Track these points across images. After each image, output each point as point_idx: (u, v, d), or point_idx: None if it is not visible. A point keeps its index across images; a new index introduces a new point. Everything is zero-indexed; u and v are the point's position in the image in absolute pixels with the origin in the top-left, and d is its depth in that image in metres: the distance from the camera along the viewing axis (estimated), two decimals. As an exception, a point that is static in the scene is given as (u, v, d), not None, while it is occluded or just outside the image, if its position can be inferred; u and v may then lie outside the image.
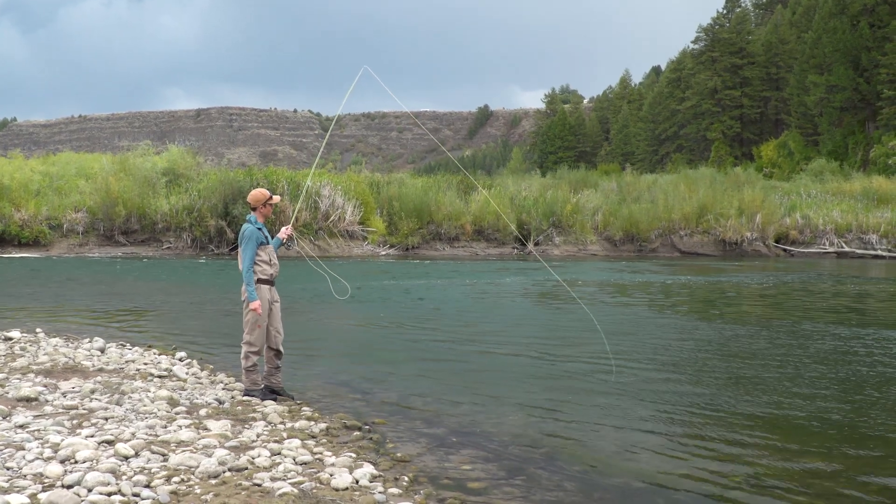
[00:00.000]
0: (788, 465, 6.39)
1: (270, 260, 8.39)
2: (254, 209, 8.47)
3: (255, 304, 8.14)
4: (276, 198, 8.65)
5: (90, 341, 11.54)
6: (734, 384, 9.38)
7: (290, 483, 5.50)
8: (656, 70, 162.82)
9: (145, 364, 10.02)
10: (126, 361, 10.14)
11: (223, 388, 8.86)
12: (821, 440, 7.06)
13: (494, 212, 42.45)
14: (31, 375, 8.90)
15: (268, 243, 8.39)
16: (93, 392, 8.09)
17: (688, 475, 6.14)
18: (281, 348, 8.52)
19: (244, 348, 8.34)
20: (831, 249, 43.07)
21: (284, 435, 6.87)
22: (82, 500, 4.84)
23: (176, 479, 5.45)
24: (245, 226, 8.35)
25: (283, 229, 8.71)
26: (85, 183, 40.35)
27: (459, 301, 19.31)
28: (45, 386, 8.30)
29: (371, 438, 7.04)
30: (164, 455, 5.98)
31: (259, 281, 8.26)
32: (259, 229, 8.33)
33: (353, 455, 6.36)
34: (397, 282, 24.24)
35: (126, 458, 5.83)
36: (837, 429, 7.42)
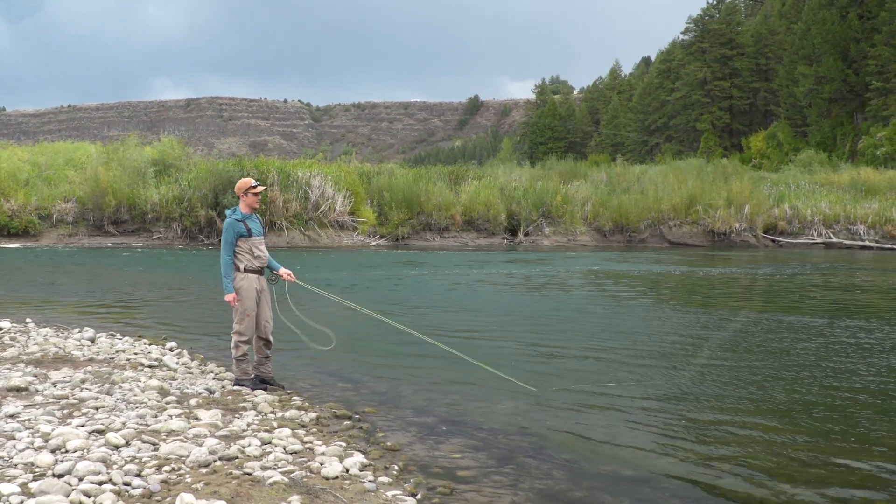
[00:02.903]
0: (776, 452, 6.44)
1: (253, 251, 8.32)
2: (239, 198, 8.46)
3: (229, 297, 8.20)
4: (260, 187, 8.55)
5: (80, 331, 11.53)
6: (722, 373, 9.44)
7: (280, 472, 5.52)
8: (646, 61, 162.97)
9: (136, 354, 10.02)
10: (116, 351, 10.14)
11: (214, 378, 8.88)
12: (809, 428, 7.12)
13: (485, 202, 42.48)
14: (22, 365, 8.89)
15: (251, 235, 8.35)
16: (83, 382, 8.10)
17: (676, 463, 6.19)
18: (271, 338, 8.53)
19: (234, 338, 8.35)
20: (819, 240, 43.22)
21: (275, 424, 6.89)
22: (73, 489, 4.86)
23: (167, 468, 5.47)
24: (225, 221, 8.33)
25: (287, 273, 8.61)
26: (74, 173, 40.22)
27: (449, 291, 19.33)
28: (36, 376, 8.30)
29: (361, 428, 7.07)
30: (154, 444, 6.00)
31: (247, 270, 8.26)
32: (240, 220, 8.27)
33: (343, 444, 6.40)
34: (387, 272, 24.26)
35: (117, 447, 5.85)
36: (825, 417, 7.48)
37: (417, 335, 8.92)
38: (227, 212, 8.36)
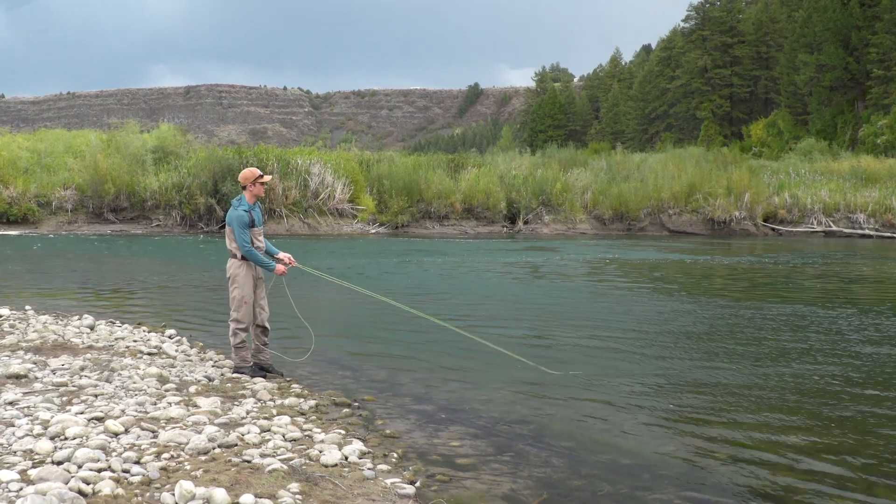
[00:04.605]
0: (774, 440, 6.45)
1: (252, 241, 8.34)
2: (244, 188, 8.43)
3: (280, 268, 8.32)
4: (267, 177, 8.56)
5: (80, 318, 11.53)
6: (719, 361, 9.45)
7: (279, 459, 5.53)
8: (647, 49, 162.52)
9: (135, 341, 10.03)
10: (116, 339, 10.14)
11: (213, 366, 8.89)
12: (807, 416, 7.13)
13: (484, 190, 42.44)
14: (21, 352, 8.90)
15: (254, 226, 8.36)
16: (82, 369, 8.10)
17: (674, 451, 6.20)
18: (267, 325, 8.55)
19: (232, 325, 8.37)
20: (819, 228, 43.14)
21: (274, 412, 6.90)
22: (72, 476, 4.86)
23: (166, 455, 5.48)
24: (230, 211, 8.33)
25: (287, 258, 8.58)
26: (73, 160, 40.16)
27: (448, 278, 19.33)
28: (35, 363, 8.30)
29: (360, 415, 7.09)
30: (153, 432, 6.00)
31: (244, 258, 8.27)
32: (246, 211, 8.29)
33: (343, 432, 6.41)
34: (387, 259, 24.24)
35: (116, 434, 5.85)
36: (821, 405, 7.49)
37: (431, 319, 8.98)
38: (234, 202, 8.37)
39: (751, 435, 6.61)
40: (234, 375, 8.37)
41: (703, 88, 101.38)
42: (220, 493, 4.68)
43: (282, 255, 8.55)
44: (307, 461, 5.60)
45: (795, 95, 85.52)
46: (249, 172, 8.43)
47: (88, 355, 8.89)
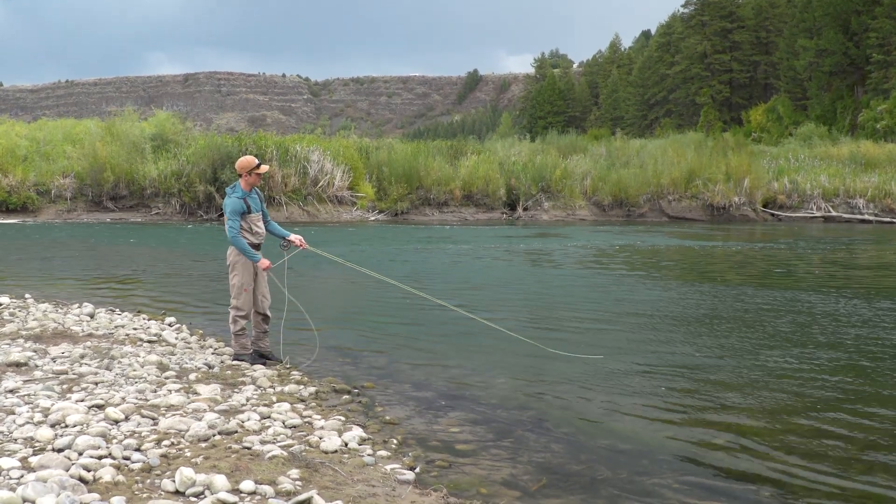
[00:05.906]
0: (772, 425, 6.46)
1: (251, 228, 8.33)
2: (240, 175, 8.43)
3: (264, 264, 8.27)
4: (265, 167, 8.50)
5: (79, 307, 11.53)
6: (719, 346, 9.46)
7: (279, 446, 5.54)
8: (646, 34, 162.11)
9: (135, 329, 10.03)
10: (115, 327, 10.14)
11: (213, 353, 8.90)
12: (804, 401, 7.14)
13: (484, 177, 42.40)
14: (21, 340, 8.90)
15: (250, 212, 8.35)
16: (82, 357, 8.11)
17: (673, 437, 6.21)
18: (268, 312, 8.56)
19: (231, 313, 8.37)
20: (818, 214, 43.17)
21: (274, 399, 6.91)
22: (73, 464, 4.86)
23: (166, 442, 5.48)
24: (225, 198, 8.33)
25: (299, 239, 8.59)
26: (72, 148, 40.07)
27: (447, 265, 19.33)
28: (35, 351, 8.30)
29: (360, 402, 7.10)
30: (154, 419, 6.01)
31: None
32: (241, 198, 8.27)
33: (342, 418, 6.42)
34: (386, 247, 24.24)
35: (116, 422, 5.85)
36: (821, 389, 7.50)
37: (436, 301, 9.00)
38: (228, 190, 8.38)
39: (750, 419, 6.63)
40: (234, 363, 8.38)
41: (703, 74, 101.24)
42: (220, 480, 4.69)
43: (293, 236, 8.55)
44: (307, 448, 5.61)
45: (795, 80, 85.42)
46: (246, 161, 8.41)
47: (88, 343, 8.90)
